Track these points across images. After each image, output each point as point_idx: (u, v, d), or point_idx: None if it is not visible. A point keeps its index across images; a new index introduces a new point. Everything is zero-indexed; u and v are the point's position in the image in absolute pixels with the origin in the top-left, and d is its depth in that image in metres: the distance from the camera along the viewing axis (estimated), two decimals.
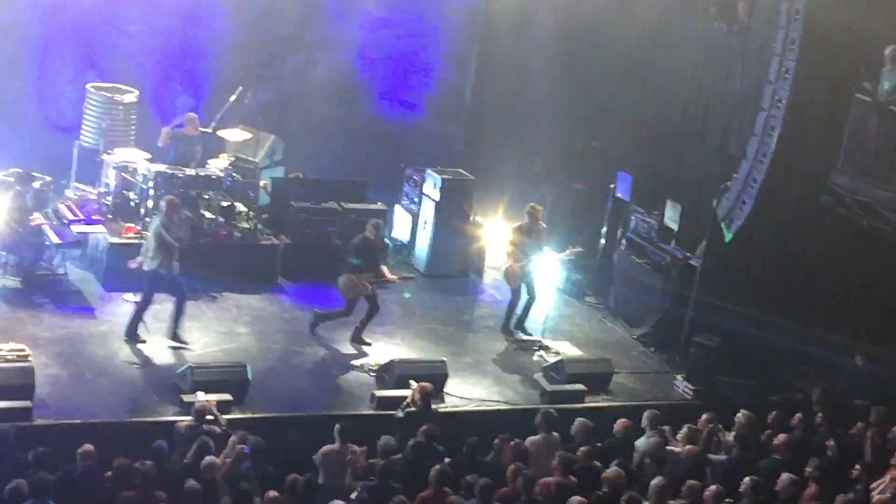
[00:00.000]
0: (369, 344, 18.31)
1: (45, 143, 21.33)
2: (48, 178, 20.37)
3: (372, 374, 17.47)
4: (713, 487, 13.53)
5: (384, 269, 18.75)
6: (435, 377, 16.91)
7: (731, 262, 18.94)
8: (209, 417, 14.41)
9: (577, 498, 12.95)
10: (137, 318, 17.34)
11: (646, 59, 22.21)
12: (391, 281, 18.89)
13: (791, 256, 19.09)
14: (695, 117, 21.65)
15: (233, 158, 21.36)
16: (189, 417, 14.54)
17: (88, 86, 21.43)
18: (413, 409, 15.40)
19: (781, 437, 15.31)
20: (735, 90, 20.50)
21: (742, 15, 20.64)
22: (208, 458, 13.11)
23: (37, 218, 18.90)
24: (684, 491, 13.57)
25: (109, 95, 21.34)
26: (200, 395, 14.98)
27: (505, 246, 19.72)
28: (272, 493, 12.52)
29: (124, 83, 21.74)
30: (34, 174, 19.66)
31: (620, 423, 15.44)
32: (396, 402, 15.69)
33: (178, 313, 17.42)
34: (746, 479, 13.78)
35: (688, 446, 15.11)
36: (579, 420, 15.31)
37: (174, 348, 17.21)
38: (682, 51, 21.65)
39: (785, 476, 14.01)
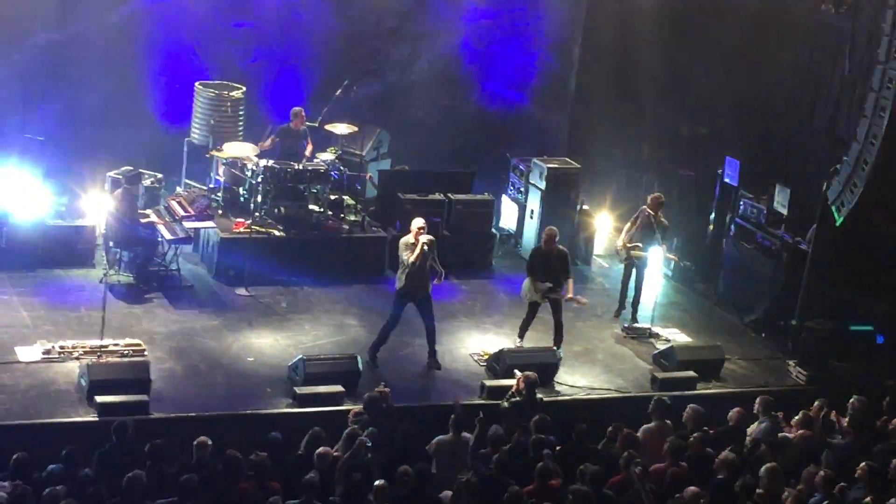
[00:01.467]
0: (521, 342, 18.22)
1: (155, 141, 21.65)
2: (159, 176, 20.67)
3: (482, 364, 17.51)
4: (823, 473, 13.38)
5: (569, 283, 18.05)
6: (545, 366, 16.93)
7: (841, 247, 18.70)
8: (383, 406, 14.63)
9: (692, 488, 12.88)
10: (382, 339, 17.37)
11: (752, 43, 21.98)
12: (570, 300, 18.09)
13: None
14: (803, 100, 21.42)
15: (339, 152, 21.50)
16: (358, 406, 14.78)
17: (197, 84, 21.69)
18: (518, 398, 15.39)
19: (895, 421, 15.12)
20: (844, 72, 20.24)
21: None
22: (321, 449, 13.23)
23: (148, 215, 19.19)
24: (802, 477, 13.44)
25: (217, 92, 21.57)
26: (381, 386, 15.05)
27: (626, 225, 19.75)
28: (380, 483, 12.58)
29: (232, 80, 21.97)
30: (143, 171, 19.97)
31: (734, 412, 15.28)
32: (506, 393, 15.70)
33: (430, 332, 17.46)
34: (862, 465, 13.61)
35: (800, 431, 14.94)
36: (691, 406, 15.20)
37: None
38: (789, 33, 21.42)
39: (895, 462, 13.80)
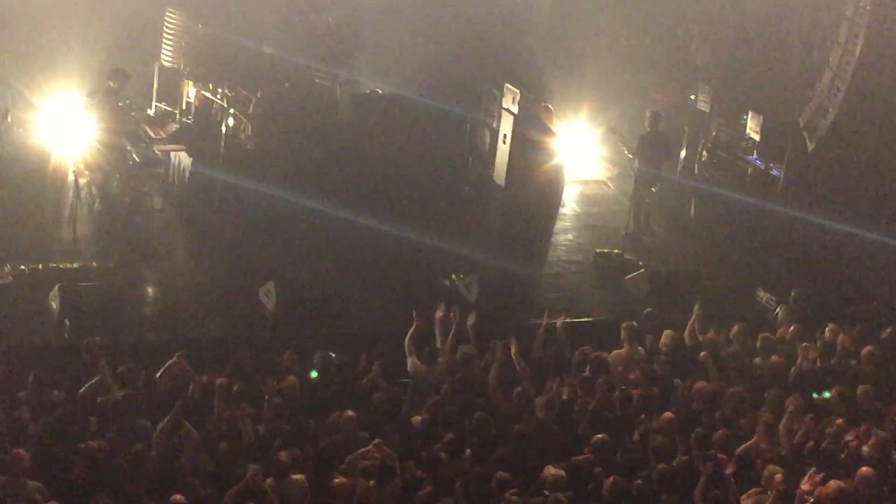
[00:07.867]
0: None
1: (125, 64, 21.41)
2: (128, 101, 20.45)
3: (454, 286, 17.42)
4: (794, 398, 13.43)
5: None
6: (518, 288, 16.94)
7: (813, 172, 18.76)
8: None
9: (668, 414, 12.97)
10: None
11: None
12: None
13: (874, 165, 18.88)
14: (776, 26, 21.38)
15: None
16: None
17: (167, 9, 21.47)
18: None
19: (867, 349, 15.10)
20: None
21: None
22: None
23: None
24: (767, 400, 13.49)
25: (187, 16, 21.35)
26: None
27: None
28: (349, 413, 12.51)
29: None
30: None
31: (704, 335, 15.27)
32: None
33: None
34: (834, 390, 13.70)
35: (772, 358, 14.92)
36: (667, 332, 15.20)
37: None
38: None
39: (863, 388, 13.88)
